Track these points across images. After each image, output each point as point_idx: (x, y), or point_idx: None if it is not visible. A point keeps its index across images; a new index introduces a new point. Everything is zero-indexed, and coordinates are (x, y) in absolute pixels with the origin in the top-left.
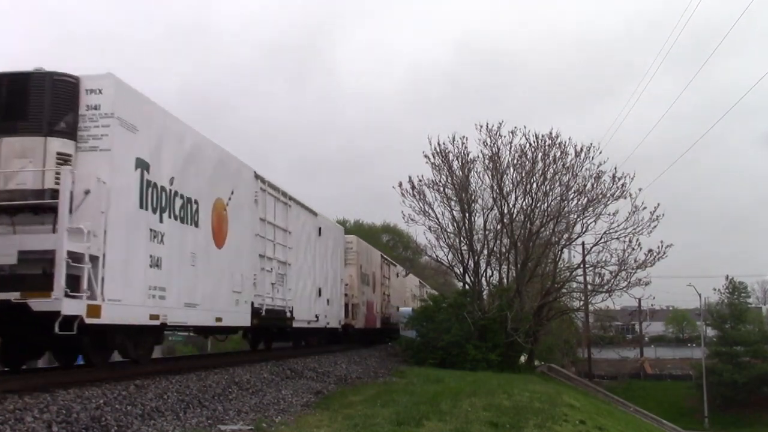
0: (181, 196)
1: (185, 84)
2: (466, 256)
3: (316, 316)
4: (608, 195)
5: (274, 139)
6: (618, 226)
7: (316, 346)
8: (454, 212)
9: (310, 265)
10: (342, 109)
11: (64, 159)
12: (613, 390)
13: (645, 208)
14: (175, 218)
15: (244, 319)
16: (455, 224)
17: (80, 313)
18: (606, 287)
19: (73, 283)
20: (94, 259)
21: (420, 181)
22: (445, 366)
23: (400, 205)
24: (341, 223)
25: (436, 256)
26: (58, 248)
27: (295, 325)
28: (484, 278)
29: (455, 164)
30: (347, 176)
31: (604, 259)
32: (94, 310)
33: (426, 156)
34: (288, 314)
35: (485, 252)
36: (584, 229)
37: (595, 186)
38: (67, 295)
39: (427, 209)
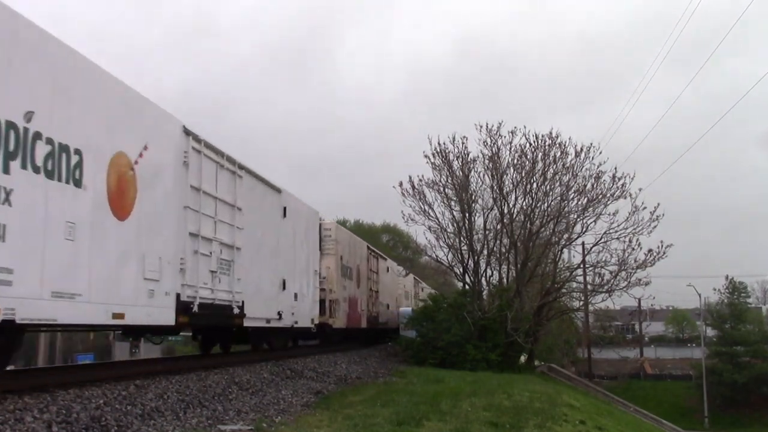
0: (49, 141)
1: (186, 84)
2: (466, 256)
3: (279, 314)
4: (608, 195)
5: (275, 139)
6: (618, 226)
7: (286, 349)
8: (454, 212)
9: (270, 252)
10: (342, 109)
11: None
12: (613, 390)
13: (645, 208)
14: (36, 171)
15: (164, 316)
16: (455, 224)
17: None
18: (606, 287)
19: None
20: None
21: (420, 181)
22: (445, 366)
23: (400, 205)
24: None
25: (436, 256)
26: None
27: (247, 323)
28: (484, 278)
29: (455, 164)
30: (347, 176)
31: (604, 259)
32: None
33: (426, 156)
34: (235, 310)
35: (485, 252)
36: (584, 229)
37: (595, 186)
38: None
39: (427, 209)
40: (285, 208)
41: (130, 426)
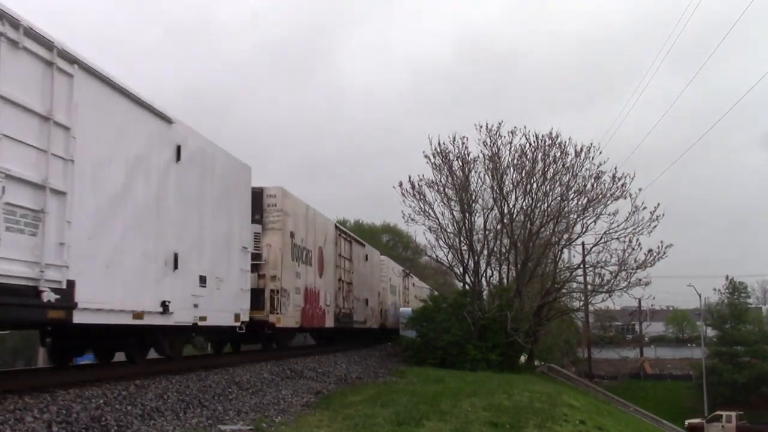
0: None
1: (187, 83)
2: (466, 256)
3: (164, 305)
4: (608, 195)
5: (276, 139)
6: (618, 226)
7: (174, 361)
8: (454, 212)
9: (143, 208)
10: (343, 109)
11: None
12: (613, 390)
13: (645, 208)
14: None
15: None
16: (455, 224)
17: None
18: (606, 287)
19: None
20: None
21: (420, 181)
22: (445, 366)
23: (401, 205)
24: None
25: (436, 256)
26: None
27: (79, 319)
28: (484, 278)
29: (455, 164)
30: (348, 176)
31: (604, 259)
32: None
33: (426, 156)
34: (48, 295)
35: (485, 252)
36: (584, 229)
37: (595, 186)
38: None
39: (427, 209)
40: (179, 148)
41: (130, 426)
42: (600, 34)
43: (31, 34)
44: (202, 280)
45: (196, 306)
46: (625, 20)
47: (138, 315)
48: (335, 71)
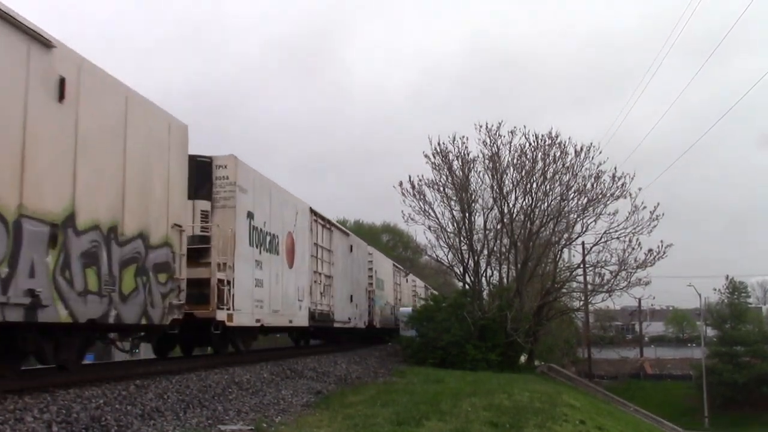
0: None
1: (194, 81)
2: (466, 255)
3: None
4: (608, 195)
5: (281, 137)
6: (618, 225)
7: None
8: (454, 212)
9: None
10: (350, 107)
11: None
12: (613, 390)
13: (645, 207)
14: None
15: None
16: (455, 224)
17: None
18: (606, 287)
19: None
20: None
21: (420, 180)
22: (445, 366)
23: (401, 205)
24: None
25: (436, 255)
26: None
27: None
28: (484, 278)
29: (455, 164)
30: (350, 176)
31: (604, 259)
32: None
33: (426, 156)
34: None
35: (485, 252)
36: (584, 229)
37: (595, 186)
38: None
39: (427, 209)
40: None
41: (130, 426)
42: (612, 32)
43: None
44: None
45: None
46: (638, 19)
47: None
48: (343, 70)
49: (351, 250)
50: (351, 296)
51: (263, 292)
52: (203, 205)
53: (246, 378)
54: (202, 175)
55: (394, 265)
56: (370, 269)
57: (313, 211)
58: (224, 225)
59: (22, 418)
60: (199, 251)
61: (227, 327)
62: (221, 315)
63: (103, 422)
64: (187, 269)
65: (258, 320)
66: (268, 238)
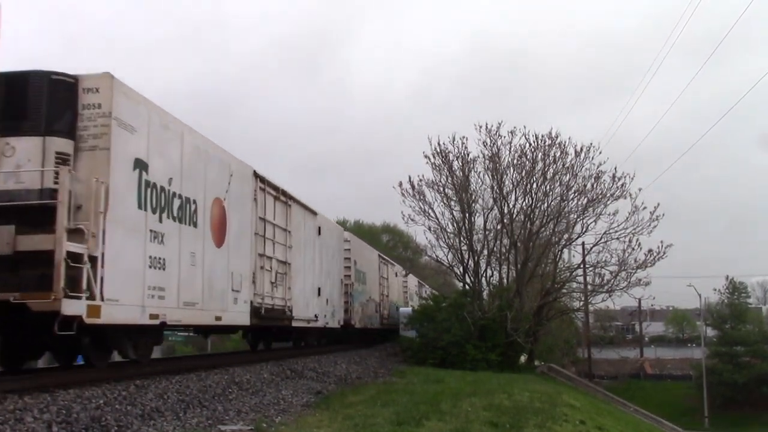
0: None
1: (194, 81)
2: (466, 256)
3: None
4: (608, 195)
5: (283, 137)
6: (618, 226)
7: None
8: (454, 212)
9: None
10: (350, 108)
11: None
12: (613, 390)
13: (645, 208)
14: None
15: None
16: (455, 224)
17: None
18: (606, 287)
19: None
20: None
21: (420, 181)
22: (445, 366)
23: (401, 205)
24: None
25: (436, 256)
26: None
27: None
28: (484, 278)
29: (455, 164)
30: (351, 176)
31: (604, 259)
32: None
33: (426, 156)
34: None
35: (485, 252)
36: (584, 229)
37: (595, 186)
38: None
39: (427, 209)
40: None
41: (130, 426)
42: (613, 32)
43: None
44: None
45: None
46: (636, 20)
47: None
48: (344, 70)
49: (320, 233)
50: (319, 289)
51: (165, 277)
52: (61, 145)
53: (246, 378)
54: (60, 102)
55: (380, 256)
56: (348, 259)
57: (258, 176)
58: (90, 174)
59: (22, 418)
60: (43, 211)
61: (90, 326)
62: (73, 307)
63: (103, 422)
64: (19, 237)
65: (154, 316)
66: (176, 203)
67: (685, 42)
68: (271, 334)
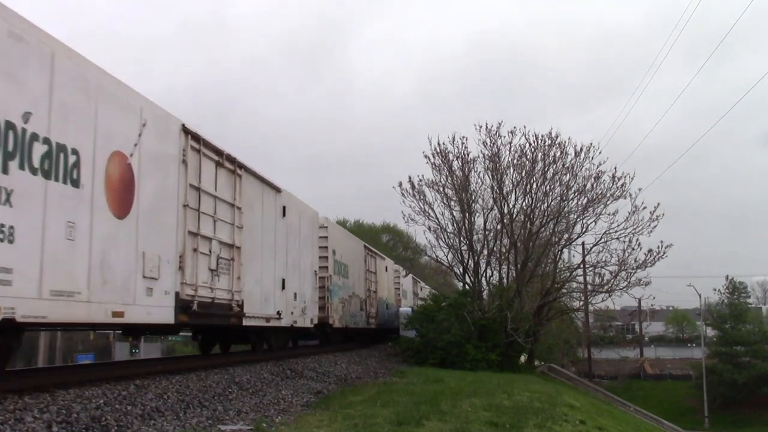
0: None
1: (195, 81)
2: (466, 256)
3: None
4: (608, 195)
5: (284, 137)
6: (618, 226)
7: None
8: (454, 212)
9: None
10: (351, 108)
11: None
12: (613, 390)
13: (645, 208)
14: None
15: None
16: (455, 224)
17: None
18: (606, 287)
19: None
20: None
21: (420, 181)
22: (445, 366)
23: (401, 205)
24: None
25: (436, 256)
26: None
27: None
28: (484, 278)
29: (455, 164)
30: (354, 175)
31: (604, 259)
32: None
33: (426, 156)
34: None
35: (485, 252)
36: (584, 229)
37: (595, 186)
38: None
39: (427, 209)
40: None
41: (130, 426)
42: (613, 31)
43: None
44: None
45: None
46: (637, 19)
47: None
48: (345, 70)
49: (284, 215)
50: (283, 281)
51: (13, 254)
52: None
53: (246, 378)
54: None
55: (366, 247)
56: (325, 248)
57: (190, 133)
58: None
59: (22, 418)
60: None
61: None
62: None
63: (103, 422)
64: None
65: None
66: (39, 150)
67: (686, 42)
68: (228, 336)
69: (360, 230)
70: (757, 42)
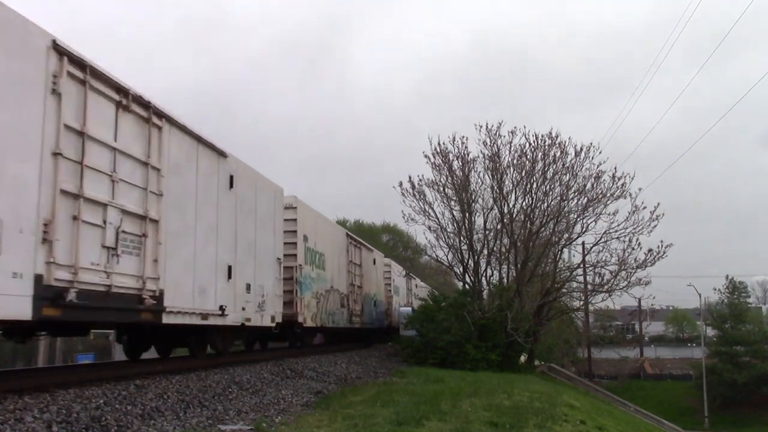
0: None
1: (196, 81)
2: (466, 255)
3: None
4: (608, 195)
5: (285, 137)
6: (618, 225)
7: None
8: (454, 212)
9: None
10: (351, 107)
11: None
12: (613, 390)
13: (645, 207)
14: None
15: None
16: (455, 224)
17: None
18: (606, 287)
19: None
20: None
21: (420, 181)
22: (445, 366)
23: (401, 205)
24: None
25: (436, 255)
26: None
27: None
28: (484, 278)
29: (455, 164)
30: (354, 175)
31: (604, 259)
32: None
33: (426, 156)
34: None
35: (485, 252)
36: (584, 229)
37: (595, 186)
38: None
39: (427, 209)
40: None
41: (130, 426)
42: (613, 33)
43: None
44: None
45: None
46: (641, 17)
47: None
48: (346, 67)
49: (232, 185)
50: (230, 268)
51: None
52: None
53: (246, 378)
54: None
55: (349, 235)
56: (293, 232)
57: (64, 53)
58: None
59: (22, 418)
60: None
61: None
62: None
63: (103, 422)
64: None
65: None
66: None
67: (687, 40)
68: (167, 337)
69: (360, 230)
70: (758, 40)
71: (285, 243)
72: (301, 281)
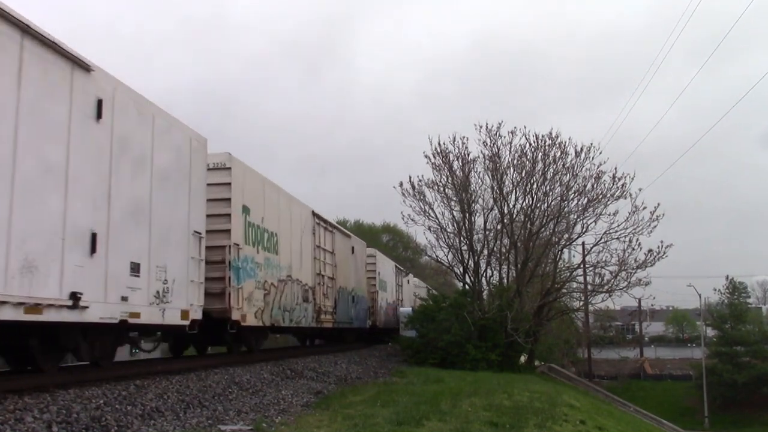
0: None
1: (196, 81)
2: (466, 256)
3: None
4: (608, 195)
5: (285, 135)
6: (618, 226)
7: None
8: (454, 212)
9: None
10: (351, 107)
11: None
12: (613, 390)
13: (645, 208)
14: None
15: None
16: (455, 224)
17: None
18: (606, 287)
19: None
20: None
21: (420, 181)
22: (445, 366)
23: (401, 205)
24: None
25: (436, 256)
26: None
27: None
28: (484, 278)
29: (455, 164)
30: (354, 175)
31: (604, 259)
32: None
33: (426, 156)
34: None
35: (485, 252)
36: (584, 229)
37: (595, 186)
38: None
39: (427, 209)
40: None
41: (130, 426)
42: (613, 33)
43: None
44: None
45: None
46: (641, 16)
47: None
48: (347, 67)
49: (100, 115)
50: (94, 237)
51: None
52: None
53: (246, 378)
54: None
55: (316, 215)
56: (226, 201)
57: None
58: None
59: (22, 418)
60: None
61: None
62: None
63: (103, 422)
64: None
65: None
66: None
67: (688, 40)
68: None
69: (360, 230)
70: (759, 39)
71: (214, 215)
72: (237, 266)
